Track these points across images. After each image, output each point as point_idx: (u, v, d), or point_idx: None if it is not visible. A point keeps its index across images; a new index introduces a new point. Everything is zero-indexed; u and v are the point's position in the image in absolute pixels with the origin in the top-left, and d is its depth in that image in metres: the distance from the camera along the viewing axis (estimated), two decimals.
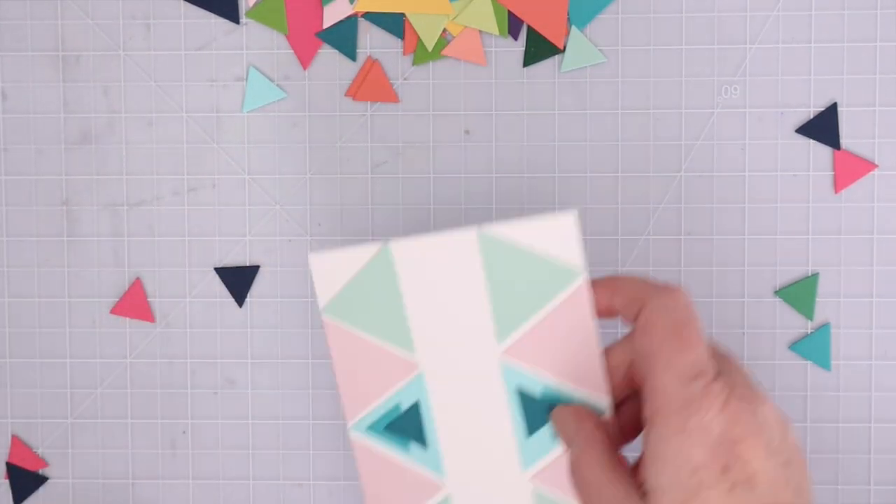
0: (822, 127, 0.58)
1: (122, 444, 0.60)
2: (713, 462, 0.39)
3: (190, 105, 0.59)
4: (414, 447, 0.48)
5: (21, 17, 0.59)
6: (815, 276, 0.58)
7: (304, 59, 0.59)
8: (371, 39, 0.59)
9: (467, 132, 0.59)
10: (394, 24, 0.58)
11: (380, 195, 0.59)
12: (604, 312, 0.45)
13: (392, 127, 0.59)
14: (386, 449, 0.48)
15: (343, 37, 0.58)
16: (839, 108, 0.58)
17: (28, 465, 0.60)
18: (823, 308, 0.59)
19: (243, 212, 0.59)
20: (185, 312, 0.60)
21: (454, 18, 0.58)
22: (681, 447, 0.39)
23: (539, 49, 0.58)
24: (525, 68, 0.59)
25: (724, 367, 0.42)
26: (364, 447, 0.48)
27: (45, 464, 0.60)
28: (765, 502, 0.39)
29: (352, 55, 0.59)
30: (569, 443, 0.44)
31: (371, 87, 0.58)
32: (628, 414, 0.46)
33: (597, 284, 0.45)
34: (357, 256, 0.47)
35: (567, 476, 0.45)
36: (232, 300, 0.59)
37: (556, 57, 0.58)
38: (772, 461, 0.39)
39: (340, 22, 0.58)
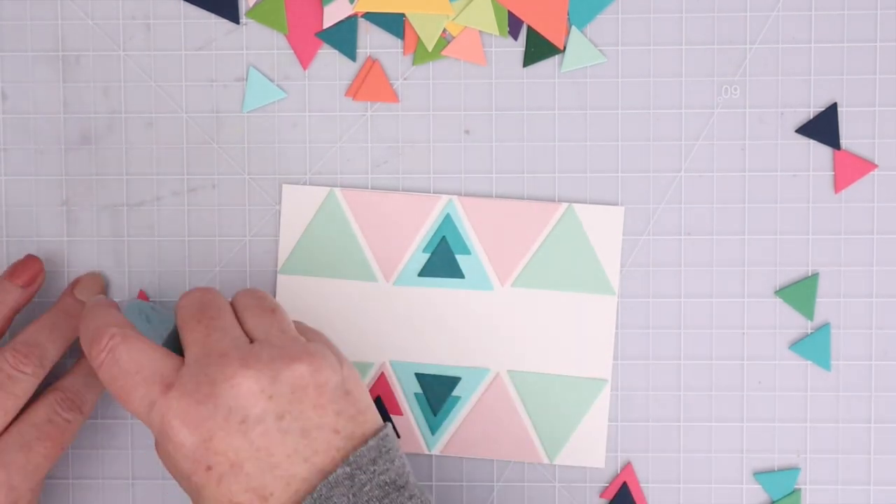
0: (822, 127, 0.58)
1: (123, 444, 0.60)
2: (197, 467, 0.45)
3: (190, 105, 0.59)
4: None
5: (21, 17, 0.59)
6: (815, 276, 0.58)
7: (304, 59, 0.59)
8: (371, 39, 0.59)
9: (467, 132, 0.59)
10: (394, 24, 0.58)
11: None
12: None
13: (392, 127, 0.59)
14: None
15: (343, 37, 0.58)
16: (839, 108, 0.58)
17: None
18: (823, 308, 0.59)
19: (243, 212, 0.59)
20: None
21: (454, 18, 0.58)
22: (172, 466, 0.46)
23: (539, 49, 0.58)
24: (525, 68, 0.58)
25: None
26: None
27: None
28: (259, 478, 0.44)
29: (352, 55, 0.59)
30: (99, 335, 0.48)
31: (371, 87, 0.58)
32: None
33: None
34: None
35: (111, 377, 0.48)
36: None
37: (556, 57, 0.58)
38: (255, 430, 0.44)
39: (340, 22, 0.58)
